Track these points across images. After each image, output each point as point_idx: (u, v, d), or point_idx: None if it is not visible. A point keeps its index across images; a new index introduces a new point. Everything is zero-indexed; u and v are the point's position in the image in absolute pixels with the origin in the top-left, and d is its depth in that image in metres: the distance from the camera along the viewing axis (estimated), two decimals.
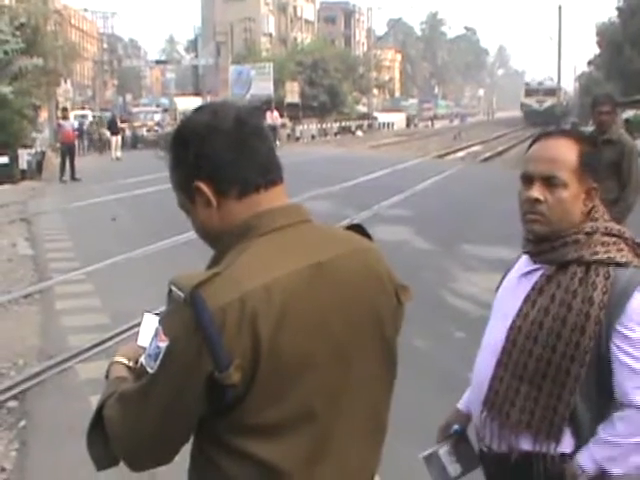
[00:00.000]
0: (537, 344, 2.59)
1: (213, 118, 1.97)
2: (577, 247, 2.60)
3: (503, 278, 2.96)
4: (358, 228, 2.14)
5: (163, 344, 1.80)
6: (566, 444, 2.58)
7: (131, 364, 2.18)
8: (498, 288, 2.95)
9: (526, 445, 2.64)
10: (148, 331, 2.28)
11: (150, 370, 1.83)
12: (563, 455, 2.59)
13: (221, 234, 1.95)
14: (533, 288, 2.66)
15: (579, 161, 2.64)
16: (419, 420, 6.08)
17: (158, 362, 1.81)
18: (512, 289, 2.78)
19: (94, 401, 6.45)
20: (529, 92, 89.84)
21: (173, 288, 1.80)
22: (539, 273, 2.68)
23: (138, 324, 2.39)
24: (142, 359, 1.90)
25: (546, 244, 2.66)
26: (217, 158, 1.92)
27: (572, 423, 2.55)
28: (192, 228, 2.04)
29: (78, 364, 7.92)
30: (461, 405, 3.06)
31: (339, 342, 1.91)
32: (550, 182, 2.64)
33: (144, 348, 2.17)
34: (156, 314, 2.33)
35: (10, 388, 7.27)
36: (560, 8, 65.62)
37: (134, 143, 47.90)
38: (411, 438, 5.57)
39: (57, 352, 8.28)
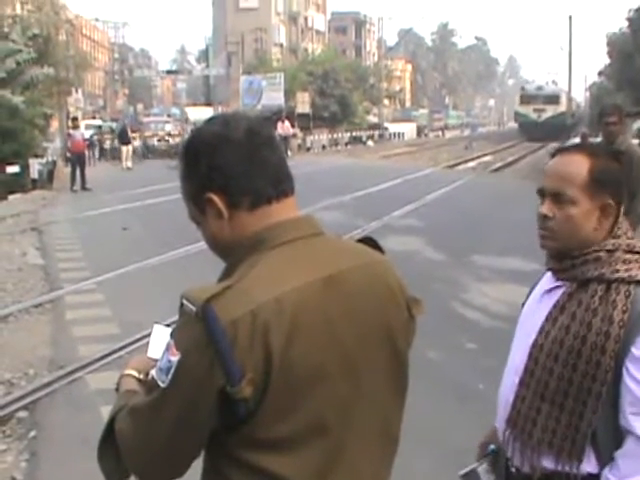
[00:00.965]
0: (558, 363, 2.56)
1: (225, 129, 1.96)
2: (598, 265, 2.55)
3: (529, 294, 2.92)
4: (370, 241, 2.14)
5: (175, 358, 1.79)
6: (590, 464, 2.54)
7: (142, 377, 2.17)
8: (524, 304, 2.91)
9: (549, 464, 2.60)
10: (158, 343, 2.27)
11: (161, 384, 1.82)
12: (589, 475, 2.54)
13: (232, 246, 1.95)
14: (555, 306, 2.62)
15: (589, 177, 2.60)
16: (431, 431, 6.08)
17: (170, 376, 1.80)
18: (535, 306, 2.75)
19: (104, 412, 6.48)
20: (525, 98, 75.62)
21: (185, 302, 1.79)
22: (561, 290, 2.64)
23: (148, 335, 2.38)
24: (153, 372, 1.89)
25: (567, 261, 2.63)
26: (229, 169, 1.92)
27: (593, 443, 2.51)
28: (202, 239, 2.03)
29: (88, 374, 7.92)
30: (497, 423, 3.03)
31: (349, 354, 1.90)
32: (558, 199, 2.61)
33: (154, 360, 2.16)
34: (167, 325, 2.32)
35: (20, 398, 7.27)
36: (570, 18, 65.84)
37: (145, 153, 47.87)
38: (423, 449, 5.56)
39: (67, 362, 8.29)
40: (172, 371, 1.79)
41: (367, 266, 2.02)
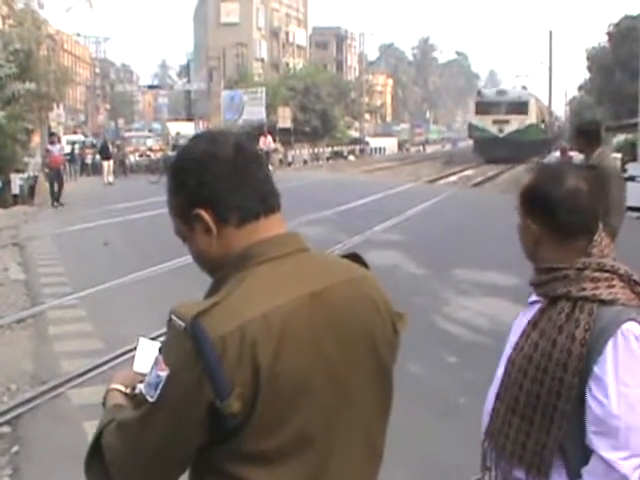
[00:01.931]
0: (527, 378, 2.59)
1: (213, 145, 1.98)
2: (566, 282, 2.58)
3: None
4: (354, 256, 2.15)
5: (163, 373, 1.80)
6: (561, 478, 2.55)
7: (128, 391, 2.18)
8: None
9: (520, 477, 2.63)
10: (143, 356, 2.27)
11: (150, 399, 1.82)
12: None
13: (220, 262, 1.96)
14: (529, 322, 2.66)
15: (521, 194, 2.73)
16: (411, 444, 6.10)
17: (158, 391, 1.80)
18: (518, 320, 2.78)
19: (87, 427, 6.49)
20: (483, 107, 59.64)
21: (173, 317, 1.80)
22: (538, 306, 2.68)
23: (131, 350, 2.40)
24: (142, 387, 1.89)
25: (543, 276, 2.67)
26: (217, 185, 1.94)
27: (564, 458, 2.54)
28: (188, 254, 2.05)
29: (71, 389, 7.91)
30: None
31: (335, 369, 1.92)
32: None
33: (140, 374, 2.17)
34: (152, 339, 2.33)
35: (3, 413, 7.25)
36: (551, 33, 65.62)
37: (125, 170, 47.60)
38: (402, 462, 5.58)
39: (50, 377, 8.27)
40: (161, 386, 1.80)
41: (352, 281, 2.03)
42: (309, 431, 1.88)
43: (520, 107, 58.34)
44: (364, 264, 2.14)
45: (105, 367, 8.31)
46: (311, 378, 1.87)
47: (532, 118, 58.89)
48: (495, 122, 58.00)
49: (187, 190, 1.97)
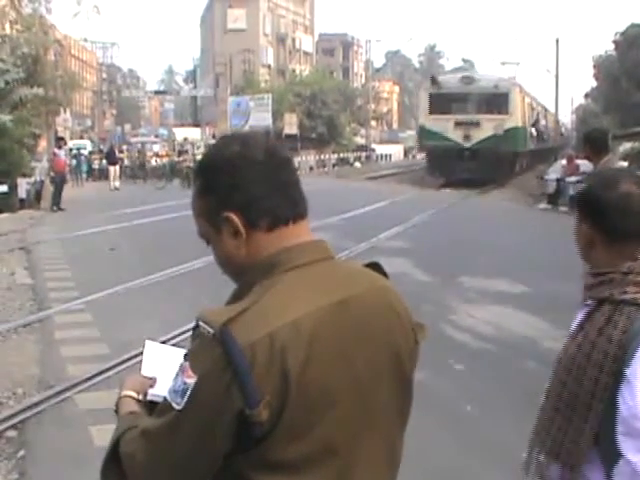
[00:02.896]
0: (570, 378, 2.63)
1: (245, 147, 1.95)
2: (611, 285, 2.62)
3: None
4: (375, 266, 2.13)
5: (191, 380, 1.77)
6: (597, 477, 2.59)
7: (140, 397, 2.15)
8: None
9: (555, 476, 2.69)
10: (151, 360, 2.27)
11: (176, 406, 1.79)
12: None
13: (246, 266, 1.94)
14: (578, 324, 2.71)
15: (576, 198, 2.84)
16: (419, 452, 6.09)
17: (186, 398, 1.77)
18: (574, 323, 2.82)
19: (94, 431, 6.50)
20: (439, 102, 40.49)
21: (201, 324, 1.78)
22: (587, 309, 2.72)
23: (137, 354, 2.38)
24: (154, 393, 1.87)
25: (592, 280, 2.71)
26: (250, 189, 1.91)
27: (600, 458, 2.57)
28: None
29: (77, 394, 7.90)
30: None
31: (360, 378, 1.90)
32: None
33: (149, 378, 2.18)
34: (162, 342, 2.32)
35: (9, 418, 7.25)
36: (557, 41, 65.49)
37: (145, 174, 47.40)
38: (408, 471, 5.58)
39: (56, 382, 8.27)
40: (188, 393, 1.77)
41: (376, 291, 2.01)
42: (333, 440, 1.86)
43: (497, 102, 39.87)
44: (384, 274, 2.12)
45: (111, 372, 8.30)
46: (337, 387, 1.85)
47: (515, 119, 40.38)
48: (458, 124, 39.76)
49: (217, 192, 1.94)
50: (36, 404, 7.60)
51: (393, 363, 1.99)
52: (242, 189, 1.91)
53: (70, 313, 11.58)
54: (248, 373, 1.72)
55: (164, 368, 2.14)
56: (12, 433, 7.01)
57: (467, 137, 39.41)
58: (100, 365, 8.63)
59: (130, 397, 2.16)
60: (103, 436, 5.11)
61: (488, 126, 39.23)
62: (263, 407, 1.73)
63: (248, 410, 1.73)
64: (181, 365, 1.83)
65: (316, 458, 1.84)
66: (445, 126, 39.75)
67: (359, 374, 1.90)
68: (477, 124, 39.48)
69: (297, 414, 1.78)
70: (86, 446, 6.32)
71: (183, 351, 2.15)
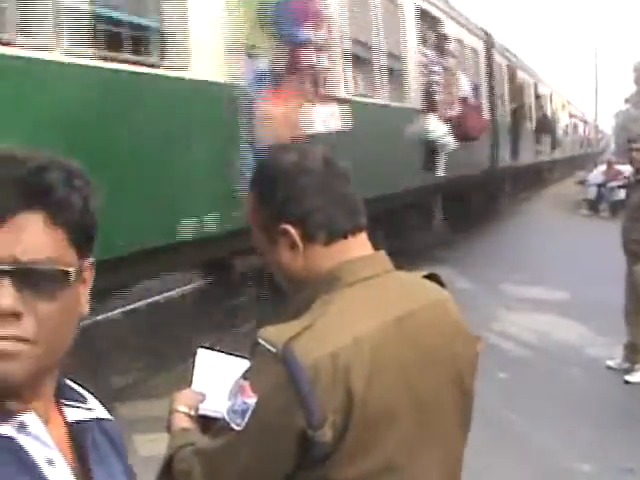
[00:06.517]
0: None
1: (302, 158, 1.90)
2: None
3: None
4: (433, 277, 2.07)
5: (251, 400, 1.71)
6: None
7: (192, 413, 2.11)
8: None
9: None
10: (204, 371, 2.21)
11: (237, 427, 1.73)
12: None
13: (305, 281, 1.88)
14: None
15: None
16: (468, 463, 6.03)
17: (246, 419, 1.72)
18: None
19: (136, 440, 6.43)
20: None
21: (262, 342, 1.72)
22: None
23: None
24: (225, 414, 1.79)
25: None
26: (307, 201, 1.85)
27: None
28: (270, 267, 1.96)
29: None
30: None
31: (420, 395, 1.84)
32: None
33: (201, 393, 2.14)
34: (219, 351, 2.27)
35: None
36: (596, 51, 64.98)
37: None
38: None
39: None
40: (249, 413, 1.71)
41: (436, 304, 1.96)
42: (394, 459, 1.80)
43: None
44: (442, 284, 2.07)
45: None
46: (397, 405, 1.79)
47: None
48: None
49: (274, 204, 1.88)
50: None
51: (454, 378, 1.94)
52: (300, 201, 1.85)
53: None
54: (311, 393, 1.65)
55: (218, 380, 2.08)
56: None
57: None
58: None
59: (183, 413, 2.12)
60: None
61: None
62: (328, 427, 1.67)
63: (311, 431, 1.66)
64: (240, 384, 1.77)
65: (377, 477, 1.78)
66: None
67: (419, 390, 1.84)
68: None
69: (360, 433, 1.71)
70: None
71: (240, 360, 2.11)
